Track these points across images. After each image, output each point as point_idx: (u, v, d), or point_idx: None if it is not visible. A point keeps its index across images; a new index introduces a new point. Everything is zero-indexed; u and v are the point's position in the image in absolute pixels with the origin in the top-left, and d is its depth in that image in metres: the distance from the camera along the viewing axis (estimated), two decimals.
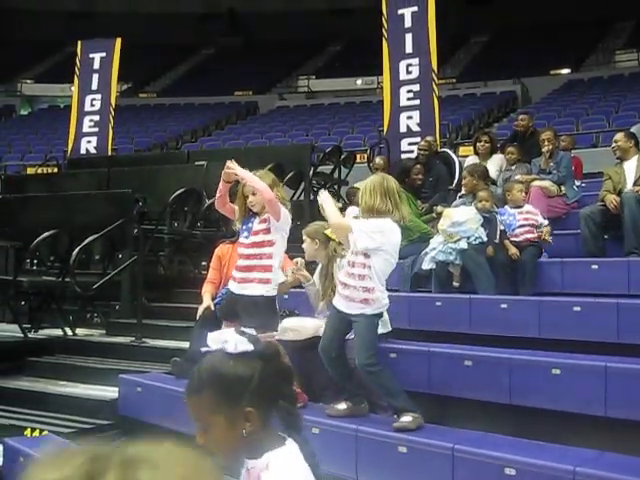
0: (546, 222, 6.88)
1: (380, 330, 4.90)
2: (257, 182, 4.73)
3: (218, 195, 5.01)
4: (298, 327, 5.01)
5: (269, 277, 4.80)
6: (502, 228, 6.75)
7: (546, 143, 8.19)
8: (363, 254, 4.41)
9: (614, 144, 7.38)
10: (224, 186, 4.93)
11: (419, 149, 9.28)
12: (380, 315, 4.53)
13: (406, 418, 4.19)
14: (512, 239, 6.69)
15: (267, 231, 4.82)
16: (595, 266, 6.32)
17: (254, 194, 4.81)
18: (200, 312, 5.97)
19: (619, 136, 7.42)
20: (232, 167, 4.77)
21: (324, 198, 4.64)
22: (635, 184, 6.98)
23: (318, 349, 4.65)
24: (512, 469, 3.56)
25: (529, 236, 6.72)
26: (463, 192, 8.04)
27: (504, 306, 5.80)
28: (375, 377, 4.38)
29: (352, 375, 4.60)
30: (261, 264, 4.82)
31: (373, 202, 4.44)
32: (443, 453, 3.83)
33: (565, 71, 26.06)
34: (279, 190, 4.91)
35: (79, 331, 7.94)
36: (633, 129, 9.95)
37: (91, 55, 15.64)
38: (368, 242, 4.38)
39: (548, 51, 25.11)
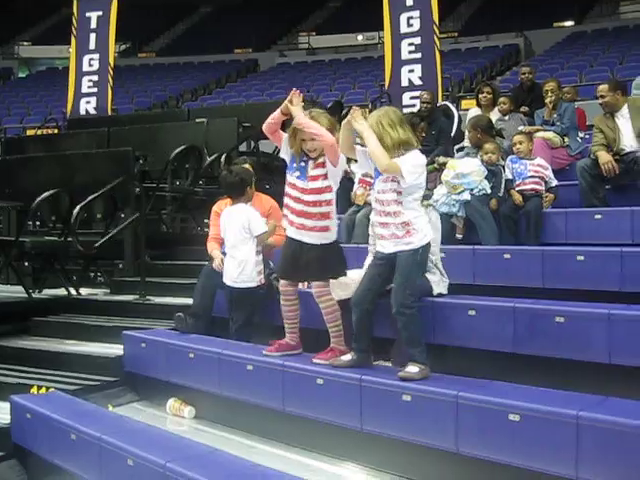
0: (555, 183, 6.84)
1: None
2: (317, 129, 4.54)
3: (271, 121, 4.73)
4: (347, 281, 4.83)
5: (328, 224, 4.68)
6: (509, 177, 6.73)
7: (549, 94, 8.13)
8: (392, 190, 4.29)
9: (601, 99, 7.05)
10: (279, 117, 4.68)
11: (422, 102, 9.19)
12: (426, 249, 4.38)
13: (413, 368, 4.16)
14: (520, 187, 6.67)
15: (325, 177, 4.67)
16: (599, 216, 6.29)
17: (313, 139, 4.61)
18: (218, 264, 5.87)
19: (604, 90, 7.03)
20: (295, 104, 4.56)
21: (364, 127, 4.31)
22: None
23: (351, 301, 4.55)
24: (516, 415, 3.55)
25: (537, 187, 6.70)
26: (466, 144, 7.99)
27: (507, 256, 5.78)
28: (406, 320, 4.27)
29: (371, 330, 4.54)
30: (321, 211, 4.67)
31: (399, 135, 4.27)
32: (447, 400, 3.82)
33: (568, 23, 25.77)
34: (338, 132, 4.61)
35: (83, 290, 7.95)
36: (637, 80, 9.86)
37: (87, 14, 15.50)
38: (413, 177, 4.25)
39: (551, 3, 24.79)
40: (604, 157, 6.74)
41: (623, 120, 6.93)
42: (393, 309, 4.31)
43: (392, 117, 4.34)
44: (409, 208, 4.32)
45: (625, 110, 6.94)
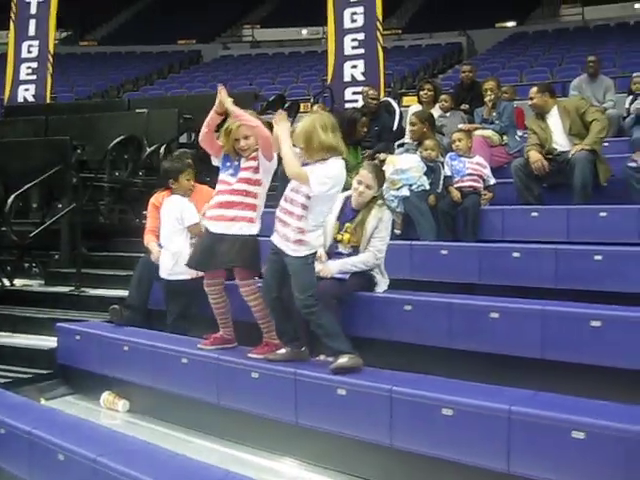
0: (493, 181, 6.95)
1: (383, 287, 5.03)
2: (253, 120, 4.53)
3: (206, 130, 4.70)
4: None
5: (252, 216, 4.63)
6: (448, 174, 6.79)
7: (489, 93, 8.22)
8: (305, 195, 4.30)
9: (530, 101, 7.26)
10: (215, 118, 4.66)
11: (370, 98, 9.19)
12: (314, 254, 4.47)
13: (342, 359, 4.19)
14: (458, 184, 6.75)
15: (256, 170, 4.65)
16: (535, 214, 6.41)
17: (246, 138, 4.60)
18: (156, 258, 5.79)
19: (533, 92, 7.24)
20: (224, 95, 4.54)
21: (282, 130, 4.34)
22: (570, 134, 6.97)
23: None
24: (449, 409, 3.59)
25: (475, 184, 6.78)
26: (406, 140, 8.03)
27: (444, 252, 5.84)
28: (315, 317, 4.33)
29: (291, 318, 4.55)
30: (245, 201, 4.63)
31: (328, 139, 4.30)
32: (381, 395, 3.84)
33: (510, 24, 26.10)
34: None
35: (17, 281, 7.78)
36: (574, 81, 10.13)
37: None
38: (322, 188, 4.27)
39: (494, 4, 25.07)
40: (534, 156, 6.94)
41: (554, 120, 7.12)
42: (301, 313, 4.38)
43: (326, 121, 4.38)
44: (311, 218, 4.34)
45: (555, 111, 7.14)
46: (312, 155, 4.34)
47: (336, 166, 4.36)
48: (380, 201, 5.18)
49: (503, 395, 3.68)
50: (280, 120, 4.39)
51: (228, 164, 4.75)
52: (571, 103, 7.33)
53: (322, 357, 4.65)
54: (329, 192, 4.34)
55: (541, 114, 7.20)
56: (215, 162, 4.86)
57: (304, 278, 4.35)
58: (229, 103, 4.57)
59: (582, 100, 7.53)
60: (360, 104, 10.07)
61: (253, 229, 4.67)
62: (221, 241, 4.66)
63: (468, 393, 3.71)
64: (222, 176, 4.77)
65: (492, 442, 3.47)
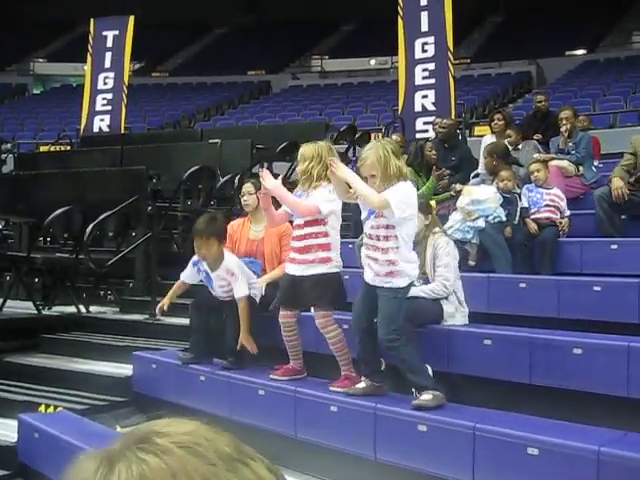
0: (568, 213, 6.79)
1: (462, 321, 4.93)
2: (292, 203, 4.70)
3: (268, 218, 4.98)
4: None
5: (328, 255, 4.72)
6: (525, 205, 6.68)
7: (564, 122, 8.04)
8: (385, 226, 4.25)
9: None
10: (264, 200, 4.81)
11: (440, 127, 9.13)
12: (407, 289, 4.39)
13: (426, 396, 4.12)
14: (535, 216, 6.62)
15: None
16: (614, 246, 6.23)
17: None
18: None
19: None
20: (266, 179, 4.64)
21: (346, 174, 4.24)
22: None
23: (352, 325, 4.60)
24: (535, 449, 3.49)
25: (552, 216, 6.65)
26: (480, 170, 7.95)
27: (523, 285, 5.72)
28: (396, 352, 4.28)
29: (377, 351, 4.50)
30: (318, 242, 4.72)
31: (401, 164, 4.30)
32: (464, 432, 3.76)
33: (580, 52, 25.76)
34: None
35: (93, 308, 7.91)
36: None
37: (104, 33, 15.57)
38: (402, 213, 4.18)
39: (563, 32, 24.83)
40: (617, 183, 6.69)
41: None
42: (383, 346, 4.35)
43: (393, 146, 4.40)
44: (400, 245, 4.28)
45: None
46: (389, 181, 4.23)
47: (408, 188, 4.31)
48: (436, 229, 5.12)
49: (591, 435, 3.57)
50: (337, 166, 4.24)
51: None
52: None
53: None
54: (405, 213, 4.22)
55: None
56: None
57: (391, 311, 4.29)
58: (270, 185, 4.62)
59: None
60: (430, 134, 10.05)
61: (332, 267, 4.73)
62: (302, 282, 4.74)
63: (554, 432, 3.61)
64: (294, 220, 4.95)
65: None
